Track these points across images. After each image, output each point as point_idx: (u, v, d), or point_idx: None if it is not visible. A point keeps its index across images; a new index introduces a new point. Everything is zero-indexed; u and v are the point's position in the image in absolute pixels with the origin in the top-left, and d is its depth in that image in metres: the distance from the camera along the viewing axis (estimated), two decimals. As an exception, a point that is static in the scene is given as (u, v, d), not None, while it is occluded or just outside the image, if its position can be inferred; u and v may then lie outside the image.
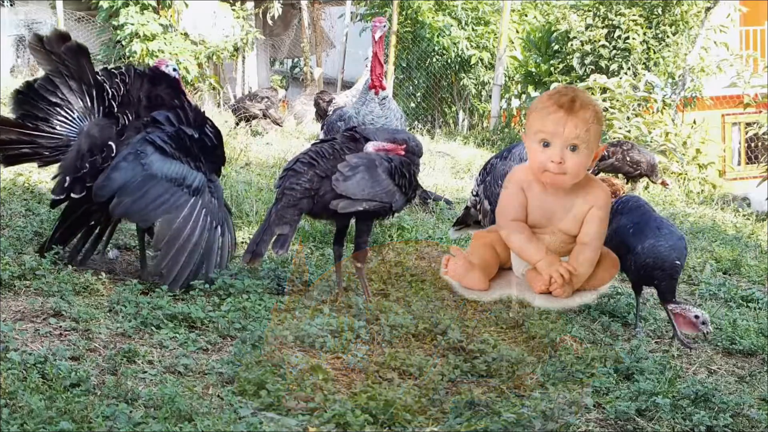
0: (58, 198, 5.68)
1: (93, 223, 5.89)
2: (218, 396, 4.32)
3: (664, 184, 12.17)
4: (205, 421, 3.97)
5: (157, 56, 15.91)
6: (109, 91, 5.76)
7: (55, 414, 3.86)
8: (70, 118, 5.72)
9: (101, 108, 5.74)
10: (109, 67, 5.96)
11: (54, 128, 5.69)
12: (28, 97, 5.71)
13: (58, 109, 5.69)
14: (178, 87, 6.02)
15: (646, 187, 12.47)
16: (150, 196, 5.51)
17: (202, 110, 6.04)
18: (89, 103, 5.74)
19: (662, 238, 5.87)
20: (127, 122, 5.72)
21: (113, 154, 5.60)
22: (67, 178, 5.59)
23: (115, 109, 5.74)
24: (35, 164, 5.97)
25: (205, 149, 5.80)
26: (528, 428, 4.30)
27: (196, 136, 5.76)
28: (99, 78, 5.80)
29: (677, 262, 5.81)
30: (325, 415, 4.15)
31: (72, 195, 5.60)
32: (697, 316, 5.71)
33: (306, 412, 4.20)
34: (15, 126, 5.67)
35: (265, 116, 13.33)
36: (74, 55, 5.74)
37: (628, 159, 11.36)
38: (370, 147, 5.80)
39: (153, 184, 5.53)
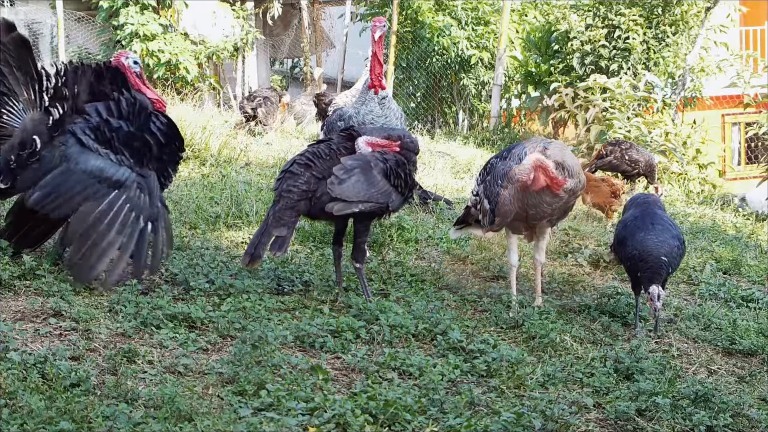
0: None
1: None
2: (218, 396, 4.32)
3: (656, 189, 12.17)
4: (205, 421, 3.97)
5: (156, 56, 15.91)
6: (45, 84, 5.71)
7: (55, 414, 3.87)
8: (15, 109, 5.70)
9: (41, 101, 5.71)
10: (54, 62, 5.93)
11: (0, 117, 5.69)
12: None
13: (5, 98, 5.68)
14: (124, 80, 5.90)
15: (646, 188, 12.47)
16: (65, 187, 5.46)
17: (144, 104, 5.81)
18: (32, 96, 5.71)
19: (653, 233, 5.95)
20: (59, 116, 5.64)
21: (37, 149, 5.57)
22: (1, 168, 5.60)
23: (47, 103, 5.68)
24: None
25: (138, 143, 5.63)
26: (528, 428, 4.30)
27: (125, 129, 5.62)
28: (41, 72, 5.75)
29: (663, 258, 5.85)
30: (325, 415, 4.15)
31: (0, 185, 5.59)
32: (649, 293, 5.83)
33: (306, 412, 4.20)
34: None
35: (254, 117, 13.32)
36: (18, 47, 5.70)
37: (626, 158, 11.36)
38: (361, 142, 5.78)
39: (69, 176, 5.48)
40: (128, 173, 5.54)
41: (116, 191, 5.47)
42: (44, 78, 5.74)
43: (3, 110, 5.69)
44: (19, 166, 5.57)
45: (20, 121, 5.70)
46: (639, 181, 12.14)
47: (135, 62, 6.22)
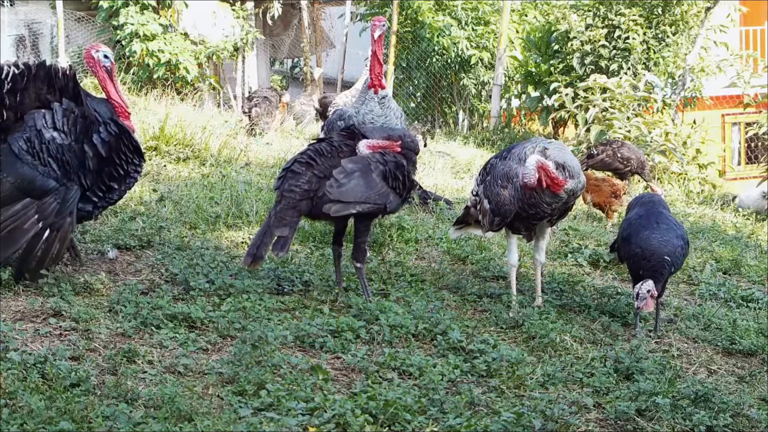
0: None
1: None
2: (218, 396, 4.32)
3: (652, 189, 12.17)
4: (205, 421, 3.97)
5: (156, 56, 15.91)
6: None
7: (55, 414, 3.87)
8: None
9: None
10: (2, 63, 5.63)
11: None
12: None
13: None
14: (75, 86, 5.64)
15: (646, 188, 12.47)
16: None
17: (86, 114, 5.58)
18: None
19: (657, 232, 5.94)
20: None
21: None
22: None
23: None
24: None
25: (72, 155, 5.49)
26: (528, 428, 4.30)
27: (57, 142, 5.44)
28: None
29: (666, 257, 5.84)
30: (325, 415, 4.15)
31: None
32: (638, 292, 5.82)
33: (306, 412, 4.20)
34: None
35: (249, 117, 13.32)
36: None
37: (618, 156, 11.36)
38: (362, 145, 5.79)
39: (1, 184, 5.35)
40: (53, 184, 5.42)
41: (35, 200, 5.38)
42: None
43: None
44: None
45: None
46: (638, 181, 12.13)
47: (105, 56, 5.89)
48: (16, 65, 5.52)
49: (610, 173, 11.32)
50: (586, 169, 11.11)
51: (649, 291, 5.76)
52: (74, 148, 5.49)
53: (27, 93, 5.49)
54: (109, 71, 5.89)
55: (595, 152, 11.47)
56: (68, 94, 5.59)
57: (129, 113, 5.82)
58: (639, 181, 12.04)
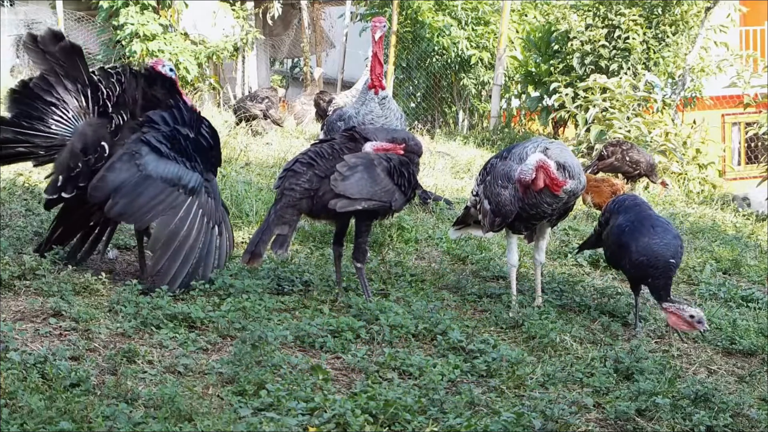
0: (51, 198, 5.65)
1: (92, 223, 5.88)
2: (218, 396, 4.32)
3: (663, 184, 12.18)
4: (205, 421, 3.97)
5: (157, 56, 15.89)
6: (104, 90, 5.72)
7: (55, 414, 3.87)
8: (65, 117, 5.68)
9: (96, 108, 5.70)
10: (105, 67, 5.91)
11: (49, 127, 5.65)
12: (23, 96, 5.67)
13: (53, 108, 5.65)
14: (174, 87, 5.97)
15: (646, 187, 12.47)
16: (145, 197, 5.47)
17: (198, 110, 6.02)
18: (84, 103, 5.69)
19: (656, 236, 5.89)
20: (121, 122, 5.68)
21: (106, 154, 5.57)
22: (60, 178, 5.56)
23: (110, 109, 5.70)
24: (30, 164, 5.96)
25: (201, 149, 5.75)
26: (528, 428, 4.30)
27: (191, 136, 5.72)
28: (94, 78, 5.76)
29: (671, 260, 5.83)
30: (325, 415, 4.15)
31: (63, 195, 5.57)
32: (692, 316, 5.70)
33: (306, 412, 4.20)
34: (10, 125, 5.64)
35: (265, 117, 13.31)
36: (68, 55, 5.70)
37: (627, 159, 11.37)
38: (368, 147, 5.80)
39: (148, 185, 5.49)
40: (199, 179, 5.63)
41: (191, 197, 5.56)
42: (101, 84, 5.71)
43: (51, 120, 5.63)
44: (84, 174, 5.53)
45: (70, 129, 5.64)
46: (640, 181, 12.14)
47: (171, 69, 6.37)
48: (123, 68, 5.81)
49: (620, 175, 11.31)
50: (597, 172, 11.11)
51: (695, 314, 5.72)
52: (199, 142, 5.75)
53: (138, 93, 5.74)
54: (174, 83, 6.18)
55: (605, 153, 11.46)
56: (167, 93, 5.82)
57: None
58: (641, 181, 12.04)
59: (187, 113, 5.78)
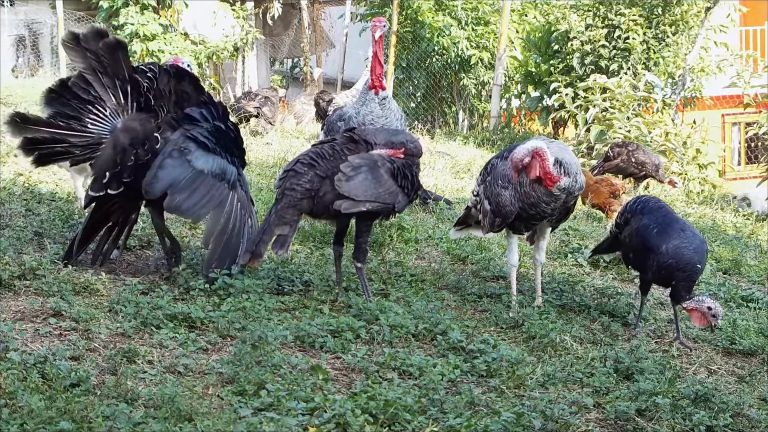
0: (96, 195, 5.63)
1: (111, 223, 5.89)
2: (218, 396, 4.32)
3: (672, 183, 12.12)
4: (205, 421, 3.97)
5: (157, 56, 15.90)
6: (144, 85, 5.72)
7: (55, 414, 3.87)
8: (102, 116, 5.63)
9: (135, 103, 5.68)
10: (140, 65, 5.90)
11: (86, 126, 5.60)
12: (61, 95, 5.61)
13: (90, 107, 5.60)
14: (198, 83, 6.02)
15: (646, 188, 12.47)
16: (200, 192, 5.59)
17: (224, 105, 6.12)
18: (122, 100, 5.66)
19: (686, 240, 5.83)
20: (162, 115, 5.73)
21: (157, 146, 5.60)
22: (106, 175, 5.55)
23: (152, 103, 5.71)
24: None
25: (234, 142, 5.90)
26: (528, 428, 4.30)
27: (225, 130, 5.85)
28: (135, 74, 5.72)
29: (698, 265, 5.80)
30: (325, 415, 4.15)
31: (109, 191, 5.58)
32: (709, 308, 5.69)
33: (306, 412, 4.20)
34: (47, 125, 5.57)
35: (258, 115, 13.31)
36: (111, 51, 5.63)
37: (633, 160, 11.31)
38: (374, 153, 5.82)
39: (202, 181, 5.61)
40: (235, 171, 5.78)
41: (232, 191, 5.72)
42: (139, 80, 5.71)
43: (88, 119, 5.61)
44: (130, 169, 5.55)
45: (107, 128, 5.62)
46: (648, 183, 12.12)
47: (189, 66, 6.43)
48: (153, 64, 5.91)
49: (628, 176, 11.27)
50: (603, 173, 11.06)
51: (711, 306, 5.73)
52: (232, 137, 5.90)
53: (171, 88, 5.80)
54: (198, 79, 6.29)
55: (611, 154, 11.42)
56: (195, 89, 5.89)
57: None
58: (644, 183, 12.02)
59: (220, 108, 5.91)
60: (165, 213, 5.83)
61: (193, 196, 5.56)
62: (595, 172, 11.26)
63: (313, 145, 6.01)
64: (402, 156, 5.83)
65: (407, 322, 5.38)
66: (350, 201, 5.58)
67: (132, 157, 5.55)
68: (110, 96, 5.64)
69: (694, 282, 5.84)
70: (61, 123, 5.57)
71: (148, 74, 5.77)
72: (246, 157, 6.10)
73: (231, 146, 5.83)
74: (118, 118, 5.65)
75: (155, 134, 5.64)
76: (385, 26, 7.56)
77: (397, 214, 6.04)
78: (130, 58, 5.83)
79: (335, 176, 5.58)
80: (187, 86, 5.86)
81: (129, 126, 5.62)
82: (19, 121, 5.49)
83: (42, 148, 5.59)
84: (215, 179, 5.64)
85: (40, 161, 5.72)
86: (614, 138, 13.75)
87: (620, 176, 11.33)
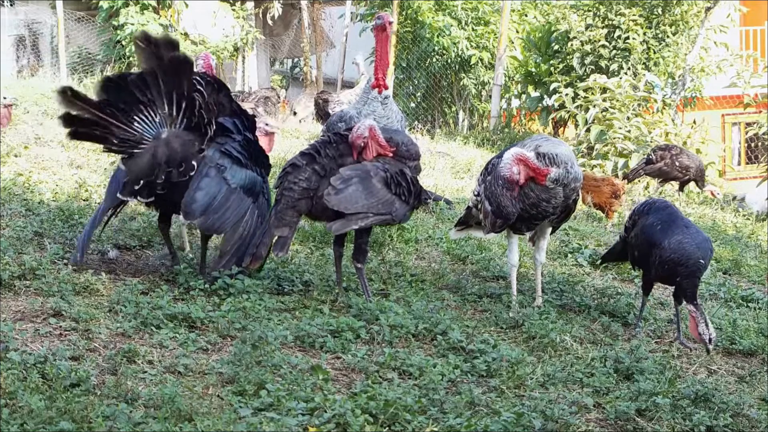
0: (124, 199, 5.66)
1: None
2: (218, 396, 4.32)
3: (712, 193, 11.85)
4: (205, 421, 3.97)
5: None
6: (198, 103, 5.68)
7: (55, 414, 3.87)
8: (149, 119, 5.61)
9: (186, 120, 5.66)
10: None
11: (131, 122, 5.57)
12: (116, 86, 5.59)
13: (141, 106, 5.58)
14: (228, 90, 6.01)
15: (646, 188, 12.48)
16: (232, 209, 5.68)
17: (251, 113, 6.17)
18: (175, 112, 5.64)
19: (689, 236, 5.83)
20: (208, 134, 5.71)
21: (192, 173, 5.63)
22: (141, 182, 5.57)
23: (203, 121, 5.70)
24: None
25: (261, 152, 5.95)
26: (528, 428, 4.30)
27: (254, 140, 5.91)
28: (193, 92, 5.67)
29: (701, 261, 5.78)
30: (325, 415, 4.15)
31: (138, 198, 5.61)
32: (701, 334, 5.66)
33: (306, 412, 4.20)
34: (95, 107, 5.54)
35: (254, 115, 13.28)
36: (178, 65, 5.60)
37: (677, 164, 11.03)
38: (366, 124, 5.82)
39: (234, 198, 5.69)
40: (262, 182, 5.87)
41: (254, 202, 5.79)
42: (195, 98, 5.67)
43: (135, 116, 5.58)
44: (163, 184, 5.58)
45: (151, 132, 5.60)
46: (639, 181, 12.10)
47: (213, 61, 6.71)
48: (202, 76, 5.88)
49: (671, 181, 11.09)
50: (641, 176, 10.95)
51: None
52: (257, 144, 5.97)
53: (211, 102, 5.79)
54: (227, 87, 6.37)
55: (653, 158, 11.20)
56: (229, 98, 5.93)
57: None
58: (644, 183, 12.00)
59: (247, 118, 5.95)
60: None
61: (225, 214, 5.66)
62: (633, 174, 11.12)
63: (310, 145, 5.99)
64: (390, 154, 5.79)
65: (407, 322, 5.38)
66: (342, 221, 5.57)
67: (163, 176, 5.56)
68: (164, 104, 5.60)
69: (698, 279, 5.81)
70: (108, 110, 5.55)
71: (201, 87, 5.72)
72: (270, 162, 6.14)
73: (260, 157, 5.89)
74: (165, 128, 5.62)
75: (193, 160, 5.63)
76: (390, 21, 7.55)
77: (402, 223, 6.00)
78: (194, 77, 5.74)
79: (326, 191, 5.57)
80: (223, 98, 5.86)
81: (171, 143, 5.60)
82: (70, 95, 5.50)
83: (81, 126, 5.60)
84: (245, 194, 5.73)
85: (75, 136, 5.73)
86: (614, 138, 13.76)
87: (660, 180, 11.12)
